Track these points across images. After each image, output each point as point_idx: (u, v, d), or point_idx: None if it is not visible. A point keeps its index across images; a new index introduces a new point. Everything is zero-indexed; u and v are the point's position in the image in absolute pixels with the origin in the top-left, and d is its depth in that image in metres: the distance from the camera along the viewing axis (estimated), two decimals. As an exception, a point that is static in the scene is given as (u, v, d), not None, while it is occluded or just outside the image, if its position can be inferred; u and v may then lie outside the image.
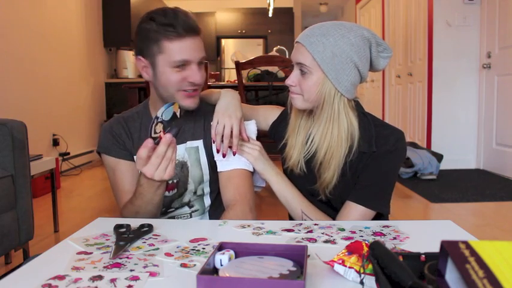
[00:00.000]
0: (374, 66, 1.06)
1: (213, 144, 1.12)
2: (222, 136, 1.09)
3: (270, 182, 1.12)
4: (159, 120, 0.88)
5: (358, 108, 1.05)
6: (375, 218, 1.04)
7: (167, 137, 0.87)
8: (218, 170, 1.11)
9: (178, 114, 0.91)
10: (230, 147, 1.10)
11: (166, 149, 0.87)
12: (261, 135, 1.21)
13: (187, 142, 1.14)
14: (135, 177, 1.13)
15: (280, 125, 1.18)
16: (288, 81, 1.04)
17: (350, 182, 1.04)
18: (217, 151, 1.10)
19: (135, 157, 1.14)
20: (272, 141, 1.25)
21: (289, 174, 1.14)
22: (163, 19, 1.00)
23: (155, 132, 0.87)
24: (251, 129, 1.17)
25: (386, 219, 1.13)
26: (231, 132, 1.08)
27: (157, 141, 0.88)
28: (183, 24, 0.99)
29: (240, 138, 1.11)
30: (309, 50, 0.98)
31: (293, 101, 1.05)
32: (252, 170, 1.13)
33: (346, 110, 1.02)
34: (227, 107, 1.12)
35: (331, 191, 1.05)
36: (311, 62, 0.99)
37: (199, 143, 1.14)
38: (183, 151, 1.13)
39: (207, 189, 1.18)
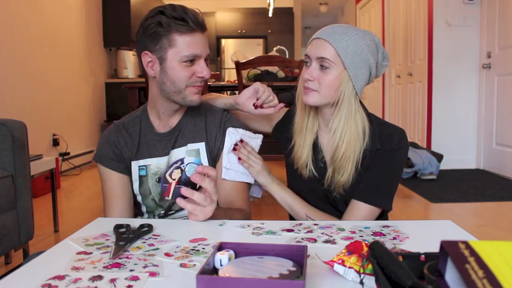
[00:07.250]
0: (375, 73, 1.08)
1: (225, 155, 1.12)
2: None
3: (271, 192, 1.14)
4: (181, 166, 0.84)
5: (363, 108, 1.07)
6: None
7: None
8: (222, 176, 1.11)
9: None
10: (239, 158, 1.12)
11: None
12: (264, 136, 1.22)
13: (188, 145, 1.13)
14: (126, 191, 1.13)
15: (285, 125, 1.18)
16: (306, 75, 1.02)
17: (358, 179, 1.06)
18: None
19: (132, 163, 1.13)
20: (275, 141, 1.25)
21: (298, 177, 1.14)
22: (174, 12, 0.99)
23: (170, 176, 0.85)
24: (258, 143, 1.18)
25: (387, 217, 1.14)
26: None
27: (164, 186, 0.85)
28: (193, 19, 0.99)
29: (250, 151, 1.13)
30: (333, 45, 0.99)
31: (307, 97, 1.03)
32: (252, 181, 1.14)
33: (360, 109, 1.04)
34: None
35: (347, 188, 1.05)
36: (334, 57, 0.99)
37: (201, 146, 1.13)
38: (183, 154, 1.12)
39: None
